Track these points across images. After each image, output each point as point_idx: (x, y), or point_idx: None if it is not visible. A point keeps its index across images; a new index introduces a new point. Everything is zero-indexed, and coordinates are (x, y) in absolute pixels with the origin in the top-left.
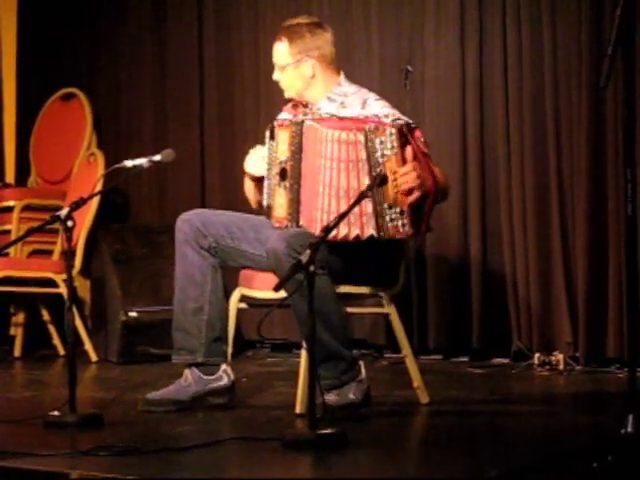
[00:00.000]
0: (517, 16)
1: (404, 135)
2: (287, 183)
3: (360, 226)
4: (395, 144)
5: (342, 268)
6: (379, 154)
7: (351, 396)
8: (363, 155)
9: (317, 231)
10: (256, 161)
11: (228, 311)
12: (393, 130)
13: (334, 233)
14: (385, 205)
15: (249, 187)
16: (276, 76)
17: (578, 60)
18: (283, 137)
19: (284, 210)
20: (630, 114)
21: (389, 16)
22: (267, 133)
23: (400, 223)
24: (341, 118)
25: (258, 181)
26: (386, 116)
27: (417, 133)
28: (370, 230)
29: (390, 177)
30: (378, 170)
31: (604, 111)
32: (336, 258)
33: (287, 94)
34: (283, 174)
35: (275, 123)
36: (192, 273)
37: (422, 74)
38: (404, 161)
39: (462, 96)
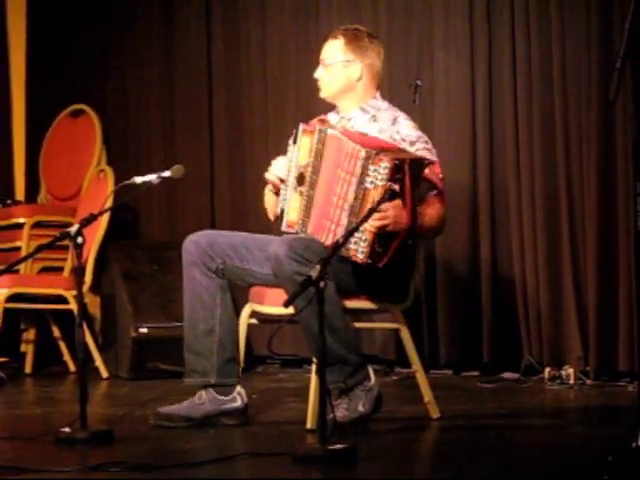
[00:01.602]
0: (526, 30)
1: (398, 172)
2: (303, 189)
3: (333, 233)
4: (384, 178)
5: (352, 282)
6: (369, 180)
7: (360, 408)
8: (358, 171)
9: (324, 240)
10: (279, 165)
11: (239, 330)
12: (387, 165)
13: (323, 240)
14: (354, 226)
15: (269, 199)
16: (318, 73)
17: (587, 73)
18: (305, 142)
19: (296, 215)
20: (639, 127)
21: (398, 30)
22: (291, 138)
23: (359, 249)
24: (363, 134)
25: (278, 194)
26: (412, 143)
27: (436, 168)
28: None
29: (368, 206)
30: (388, 185)
31: (613, 125)
32: (346, 272)
33: (324, 93)
34: (301, 179)
35: (300, 128)
36: (200, 295)
37: (431, 88)
38: (385, 196)
39: (472, 110)
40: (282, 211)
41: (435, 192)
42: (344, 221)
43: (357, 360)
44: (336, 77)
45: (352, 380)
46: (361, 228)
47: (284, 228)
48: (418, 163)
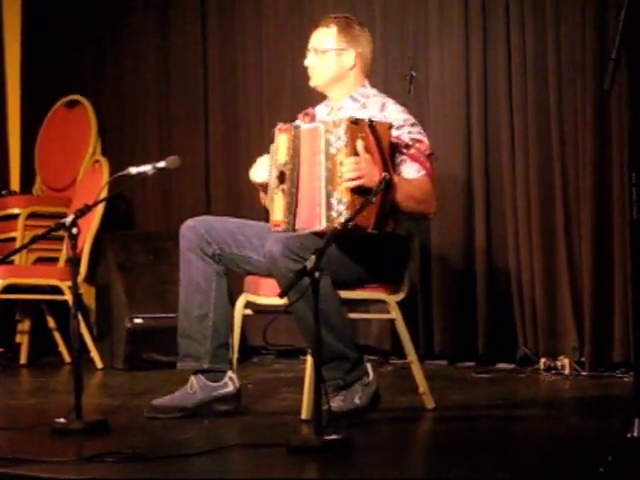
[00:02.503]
0: (521, 20)
1: (358, 130)
2: (285, 186)
3: (319, 217)
4: (345, 137)
5: (348, 273)
6: (333, 147)
7: (357, 401)
8: (323, 146)
9: (318, 227)
10: (259, 168)
11: (233, 317)
12: (344, 124)
13: (317, 227)
14: (333, 194)
15: (263, 197)
16: (309, 61)
17: (582, 63)
18: (283, 141)
19: (281, 213)
20: (635, 117)
21: (393, 21)
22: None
23: (342, 213)
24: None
25: (266, 191)
26: (399, 127)
27: (423, 146)
28: (324, 221)
29: (337, 168)
30: (383, 176)
31: (609, 114)
32: (342, 263)
33: (315, 81)
34: (281, 177)
35: (276, 128)
36: (196, 280)
37: (426, 79)
38: (354, 154)
39: (466, 101)
40: (267, 211)
41: (424, 172)
42: (325, 200)
43: (355, 356)
44: (329, 65)
45: (350, 377)
46: (337, 194)
47: (271, 228)
48: (380, 123)
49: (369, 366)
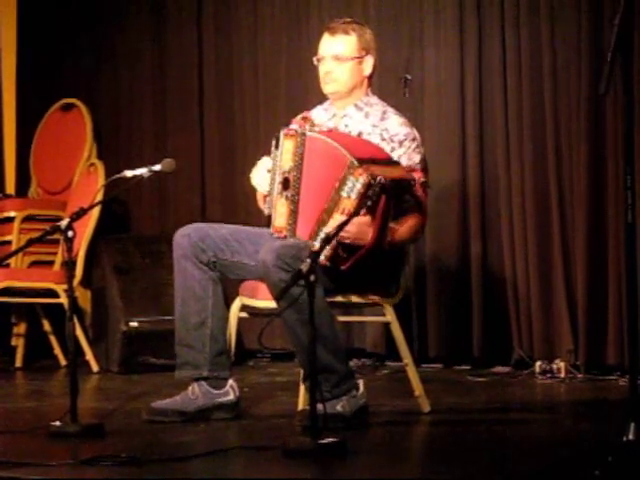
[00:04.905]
0: (516, 24)
1: (373, 190)
2: (289, 193)
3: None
4: (358, 192)
5: (342, 279)
6: (346, 189)
7: (339, 408)
8: (340, 177)
9: (315, 243)
10: (259, 174)
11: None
12: (365, 181)
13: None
14: (323, 228)
15: (261, 198)
16: (329, 67)
17: (577, 67)
18: (288, 147)
19: (284, 220)
20: (629, 120)
21: (388, 24)
22: (273, 142)
23: (323, 251)
24: (355, 138)
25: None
26: (400, 142)
27: (417, 174)
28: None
29: (338, 213)
30: (377, 180)
31: (603, 118)
32: (336, 271)
33: (334, 88)
34: (285, 184)
35: (281, 132)
36: (193, 287)
37: (421, 82)
38: (357, 210)
39: (462, 104)
40: (269, 217)
41: (414, 203)
42: (316, 224)
43: (344, 369)
44: (353, 74)
45: (338, 390)
46: (327, 229)
47: (274, 234)
48: (400, 185)
49: (361, 382)
